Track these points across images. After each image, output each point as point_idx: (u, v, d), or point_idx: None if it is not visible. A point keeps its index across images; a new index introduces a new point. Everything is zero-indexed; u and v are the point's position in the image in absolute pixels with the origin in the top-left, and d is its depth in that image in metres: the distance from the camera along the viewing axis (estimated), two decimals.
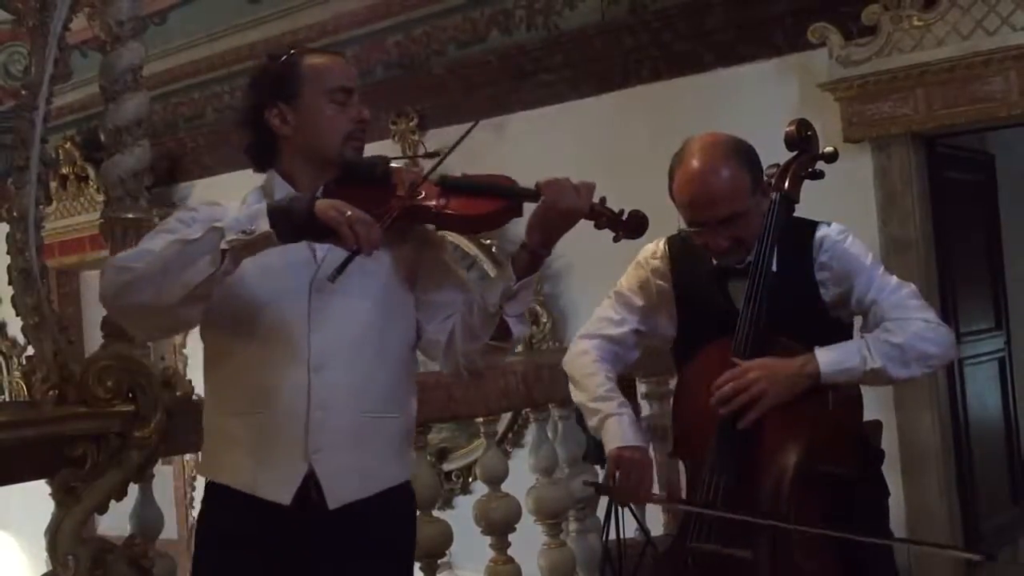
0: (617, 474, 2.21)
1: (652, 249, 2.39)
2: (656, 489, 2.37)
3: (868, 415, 2.28)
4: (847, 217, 2.34)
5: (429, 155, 6.75)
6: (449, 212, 1.96)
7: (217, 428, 1.99)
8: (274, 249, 1.82)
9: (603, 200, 1.98)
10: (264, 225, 1.75)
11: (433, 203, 1.94)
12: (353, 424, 1.92)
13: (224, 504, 1.95)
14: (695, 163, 2.17)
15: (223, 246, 1.74)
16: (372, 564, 1.96)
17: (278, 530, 1.89)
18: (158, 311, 1.81)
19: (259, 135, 2.00)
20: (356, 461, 1.93)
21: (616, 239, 2.03)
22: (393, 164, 2.01)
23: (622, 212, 2.01)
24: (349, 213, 1.75)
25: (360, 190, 1.92)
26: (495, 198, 1.99)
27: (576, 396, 2.38)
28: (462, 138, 1.97)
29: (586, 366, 2.35)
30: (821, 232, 2.24)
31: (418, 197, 1.94)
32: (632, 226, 2.01)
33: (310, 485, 1.89)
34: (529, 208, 1.97)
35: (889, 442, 2.91)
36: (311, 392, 1.88)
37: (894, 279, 2.21)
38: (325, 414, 1.89)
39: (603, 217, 2.00)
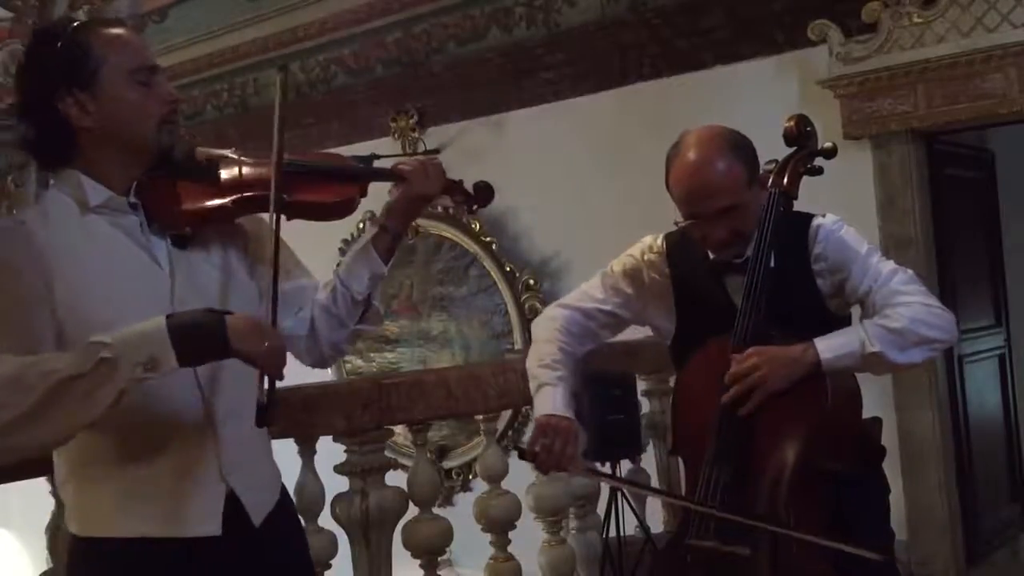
0: (542, 441, 2.20)
1: (649, 243, 2.38)
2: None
3: (868, 412, 2.28)
4: (847, 214, 2.33)
5: (429, 152, 6.73)
6: (305, 201, 1.83)
7: (96, 478, 1.71)
8: (120, 273, 1.67)
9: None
10: (170, 360, 1.52)
11: (284, 195, 1.75)
12: (251, 435, 1.75)
13: (128, 561, 1.70)
14: (691, 155, 2.17)
15: (122, 385, 1.50)
16: (293, 565, 1.92)
17: (208, 565, 1.72)
18: (42, 448, 1.60)
19: (50, 129, 1.69)
20: (262, 471, 1.85)
21: (471, 211, 2.09)
22: (201, 148, 1.81)
23: (462, 182, 2.04)
24: (266, 344, 1.57)
25: (182, 183, 1.76)
26: (345, 182, 1.90)
27: (527, 360, 2.37)
28: (282, 95, 1.81)
29: (547, 331, 2.36)
30: (815, 223, 2.24)
31: (255, 189, 1.76)
32: (481, 194, 2.06)
33: (230, 508, 1.74)
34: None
35: (889, 439, 2.92)
36: (214, 415, 1.73)
37: (890, 265, 2.20)
38: (232, 428, 1.74)
39: (456, 192, 2.02)
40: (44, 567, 2.55)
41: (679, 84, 5.23)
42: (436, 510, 3.11)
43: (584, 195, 5.37)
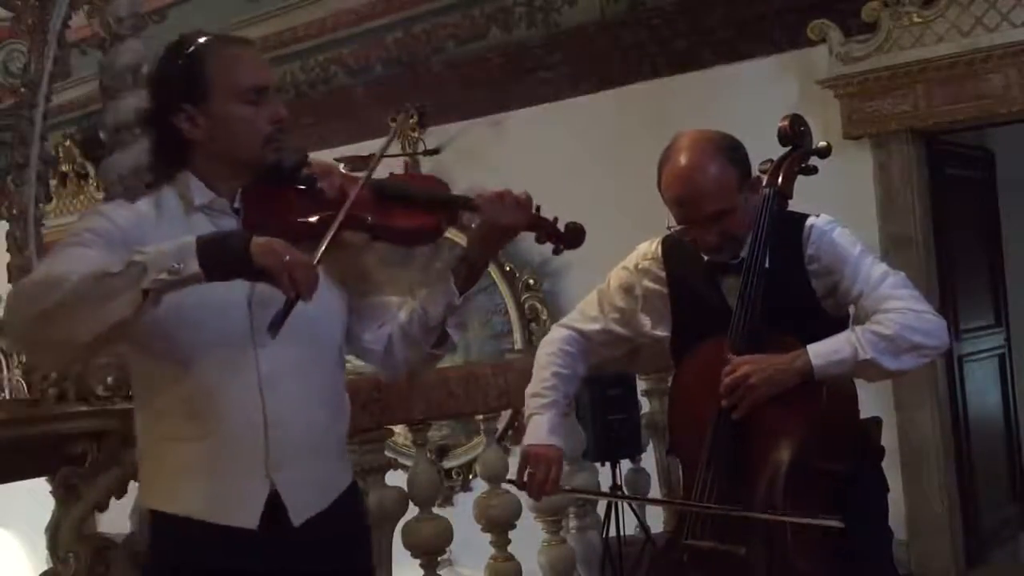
0: (528, 470, 2.25)
1: (644, 250, 2.39)
2: (657, 491, 2.35)
3: (868, 412, 2.28)
4: (847, 214, 2.34)
5: (429, 152, 6.73)
6: (386, 225, 1.86)
7: (162, 455, 1.84)
8: None
9: (539, 209, 1.94)
10: (193, 265, 1.58)
11: (368, 216, 1.83)
12: (308, 436, 1.83)
13: (180, 536, 1.81)
14: (682, 160, 2.17)
15: (146, 285, 1.57)
16: (340, 567, 1.92)
17: (243, 556, 1.79)
18: (67, 347, 1.66)
19: (166, 137, 1.83)
20: (313, 473, 1.86)
21: (556, 251, 2.02)
22: (312, 161, 1.88)
23: (556, 220, 1.98)
24: (288, 258, 1.61)
25: (283, 193, 1.83)
26: (432, 209, 1.90)
27: (528, 388, 2.40)
28: (395, 132, 1.93)
29: (543, 357, 2.39)
30: (809, 224, 2.23)
31: (352, 208, 1.80)
32: (570, 238, 2.00)
33: (272, 505, 1.80)
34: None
35: (889, 439, 2.92)
36: (266, 410, 1.78)
37: (882, 268, 2.20)
38: (283, 431, 1.80)
39: (543, 230, 1.97)
40: (44, 567, 2.55)
41: (679, 84, 5.23)
42: (436, 510, 3.12)
43: (584, 195, 5.35)
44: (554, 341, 2.40)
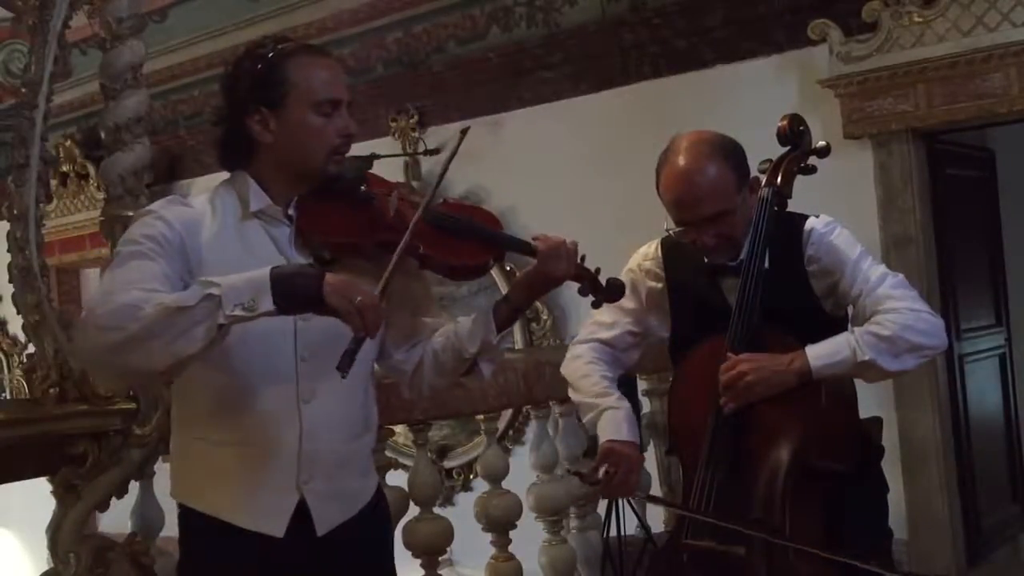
0: (606, 467, 2.20)
1: (645, 251, 2.40)
2: (657, 490, 2.36)
3: (868, 412, 2.28)
4: (847, 214, 2.34)
5: (429, 152, 6.73)
6: (437, 257, 1.88)
7: (197, 455, 1.88)
8: (247, 267, 1.73)
9: (583, 259, 1.94)
10: (267, 303, 1.63)
11: (420, 245, 1.84)
12: (339, 450, 1.89)
13: (211, 533, 1.86)
14: (680, 162, 2.17)
15: (221, 320, 1.61)
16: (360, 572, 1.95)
17: (267, 561, 1.83)
18: (138, 375, 1.74)
19: (236, 136, 1.87)
20: (341, 485, 1.90)
21: (595, 304, 2.03)
22: (371, 177, 1.91)
23: (599, 272, 1.99)
24: (359, 299, 1.64)
25: (338, 206, 1.85)
26: (484, 247, 1.92)
27: (574, 397, 2.39)
28: (452, 154, 1.88)
29: (579, 369, 2.38)
30: (808, 225, 2.24)
31: (399, 234, 1.81)
32: (611, 291, 2.01)
33: (299, 514, 1.84)
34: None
35: (889, 439, 2.91)
36: (302, 423, 1.83)
37: (881, 269, 2.20)
38: (316, 445, 1.84)
39: (585, 280, 1.97)
40: (45, 567, 2.55)
41: (679, 84, 5.22)
42: (437, 510, 3.12)
43: (584, 195, 5.37)
44: (581, 356, 2.39)
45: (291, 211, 1.86)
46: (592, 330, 2.42)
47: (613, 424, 2.25)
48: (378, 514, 2.03)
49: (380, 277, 1.78)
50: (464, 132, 1.90)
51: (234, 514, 1.83)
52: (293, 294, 1.64)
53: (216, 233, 1.81)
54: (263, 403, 1.82)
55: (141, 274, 1.70)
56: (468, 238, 1.91)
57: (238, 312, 1.61)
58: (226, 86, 1.90)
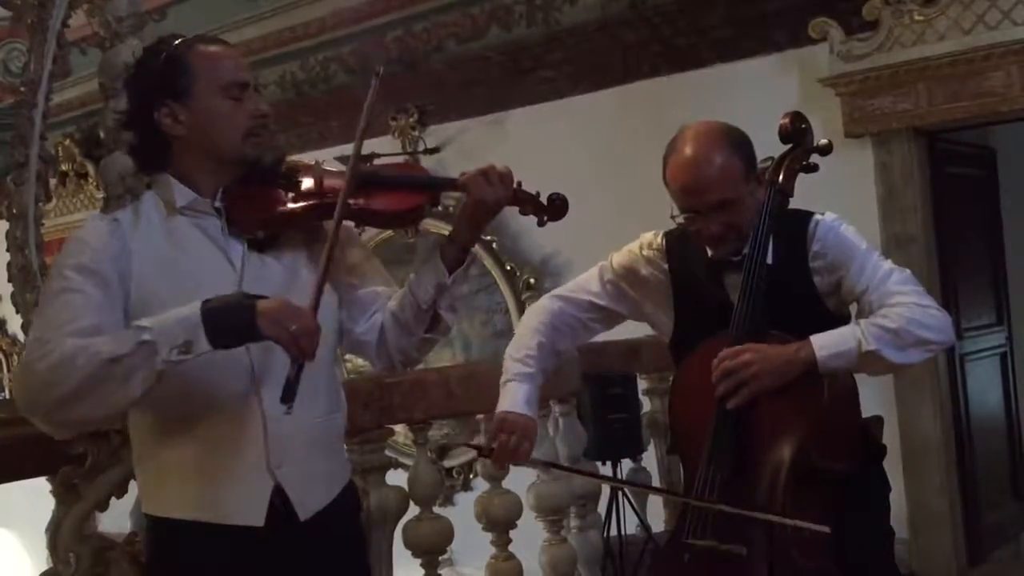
0: (500, 437, 2.20)
1: (649, 240, 2.38)
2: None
3: (869, 410, 2.28)
4: (848, 212, 2.33)
5: (429, 151, 6.73)
6: (370, 209, 1.90)
7: (160, 459, 1.84)
8: (193, 270, 1.78)
9: (520, 184, 1.95)
10: (202, 344, 1.64)
11: (353, 201, 1.86)
12: (308, 430, 1.85)
13: (182, 540, 1.82)
14: (687, 150, 2.16)
15: (159, 367, 1.62)
16: (343, 565, 1.94)
17: (250, 555, 1.79)
18: (85, 424, 1.77)
19: (148, 136, 1.86)
20: (316, 466, 1.88)
21: (541, 223, 2.02)
22: (289, 160, 1.93)
23: (538, 194, 2.00)
24: (294, 327, 1.66)
25: (264, 188, 1.87)
26: (414, 191, 1.94)
27: (509, 347, 2.38)
28: (371, 102, 1.91)
29: (534, 321, 2.36)
30: (815, 221, 2.23)
31: (330, 196, 1.85)
32: (555, 208, 2.01)
33: (277, 500, 1.81)
34: None
35: (890, 437, 2.91)
36: (263, 405, 1.80)
37: (887, 264, 2.20)
38: (281, 427, 1.80)
39: (527, 203, 1.99)
40: (45, 567, 2.55)
41: (679, 83, 5.22)
42: (437, 509, 3.11)
43: (584, 194, 5.31)
44: (544, 310, 2.38)
45: (218, 203, 1.85)
46: (573, 288, 2.40)
47: (511, 396, 2.26)
48: (353, 498, 2.03)
49: (317, 252, 1.83)
50: (378, 74, 1.95)
51: (210, 512, 1.79)
52: (227, 328, 1.65)
53: (144, 239, 1.81)
54: (219, 392, 1.79)
55: (72, 312, 1.70)
56: (397, 187, 1.94)
57: (174, 356, 1.62)
58: (131, 87, 1.91)
